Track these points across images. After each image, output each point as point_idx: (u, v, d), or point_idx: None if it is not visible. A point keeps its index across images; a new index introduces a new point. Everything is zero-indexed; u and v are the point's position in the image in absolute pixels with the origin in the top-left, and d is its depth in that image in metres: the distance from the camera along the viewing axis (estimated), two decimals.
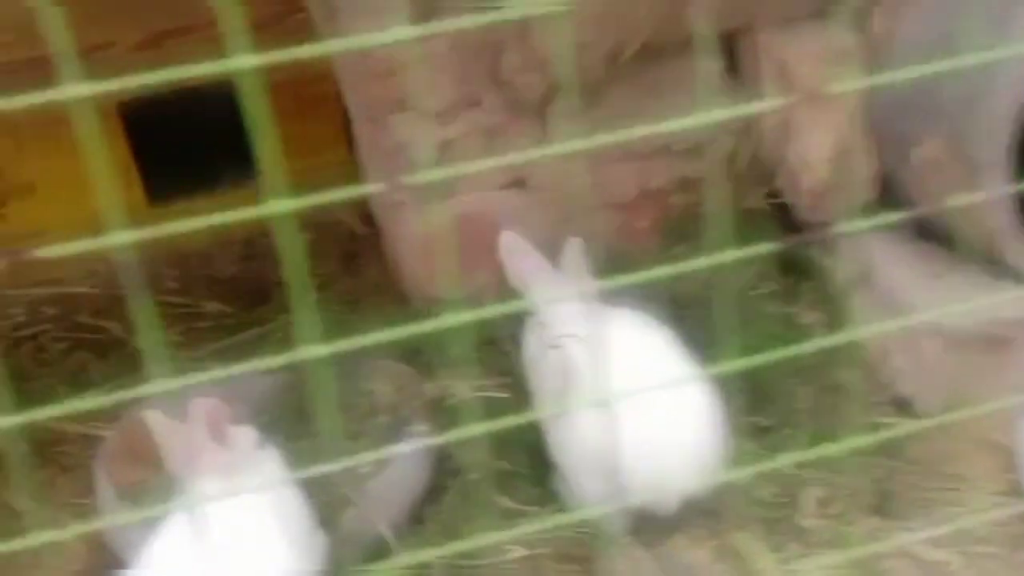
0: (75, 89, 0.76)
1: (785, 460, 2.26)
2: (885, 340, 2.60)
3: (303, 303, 0.87)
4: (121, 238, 0.76)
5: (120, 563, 2.22)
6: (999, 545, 2.32)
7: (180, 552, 2.06)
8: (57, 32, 0.69)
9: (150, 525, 2.12)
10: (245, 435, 2.14)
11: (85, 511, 2.54)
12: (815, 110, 2.62)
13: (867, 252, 2.66)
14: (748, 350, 2.74)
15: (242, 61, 0.75)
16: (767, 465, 2.21)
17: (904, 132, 2.55)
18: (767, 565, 2.33)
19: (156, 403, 2.27)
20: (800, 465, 2.52)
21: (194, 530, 2.09)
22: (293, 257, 0.89)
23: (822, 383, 2.61)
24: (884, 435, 2.26)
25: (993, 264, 2.55)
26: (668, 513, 2.34)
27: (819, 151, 2.63)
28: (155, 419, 2.07)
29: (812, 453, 2.08)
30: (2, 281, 3.03)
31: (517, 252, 2.49)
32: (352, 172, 3.32)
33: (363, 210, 3.20)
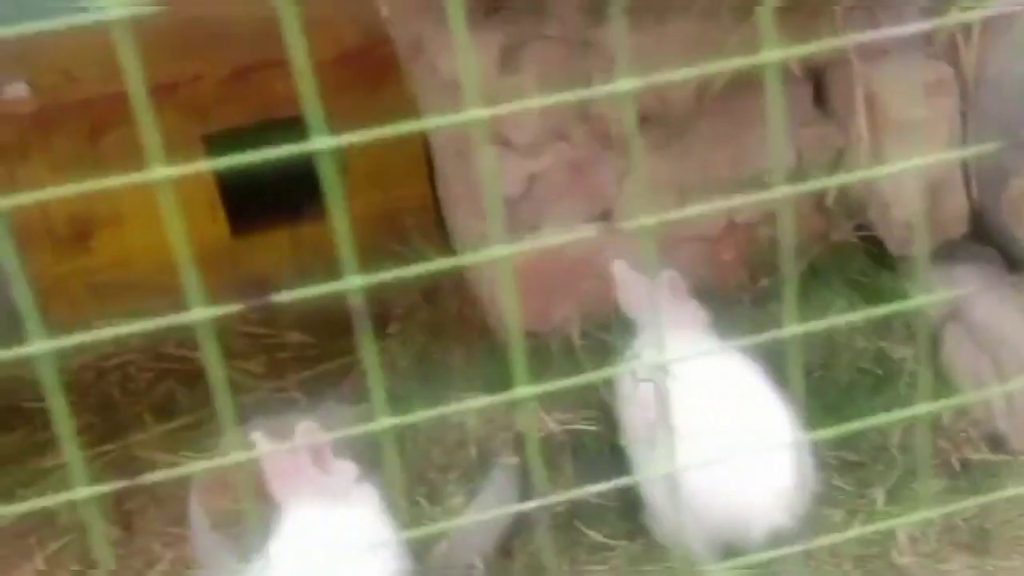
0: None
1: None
2: (979, 376, 2.58)
3: (518, 348, 0.87)
4: (354, 283, 0.77)
5: None
6: None
7: None
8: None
9: (246, 554, 2.15)
10: (347, 468, 2.16)
11: (176, 540, 2.57)
12: (907, 141, 2.61)
13: (959, 286, 2.65)
14: (839, 386, 2.70)
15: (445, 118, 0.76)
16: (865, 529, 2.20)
17: (1001, 163, 2.54)
18: None
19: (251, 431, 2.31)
20: (891, 501, 2.51)
21: (291, 559, 2.11)
22: (512, 303, 0.89)
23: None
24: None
25: None
26: (756, 548, 2.33)
27: (911, 183, 2.61)
28: (261, 442, 2.09)
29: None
30: (87, 311, 3.07)
31: (630, 281, 2.51)
32: (431, 205, 3.34)
33: (444, 242, 3.23)
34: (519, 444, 2.61)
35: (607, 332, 2.78)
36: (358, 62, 3.19)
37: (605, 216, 2.84)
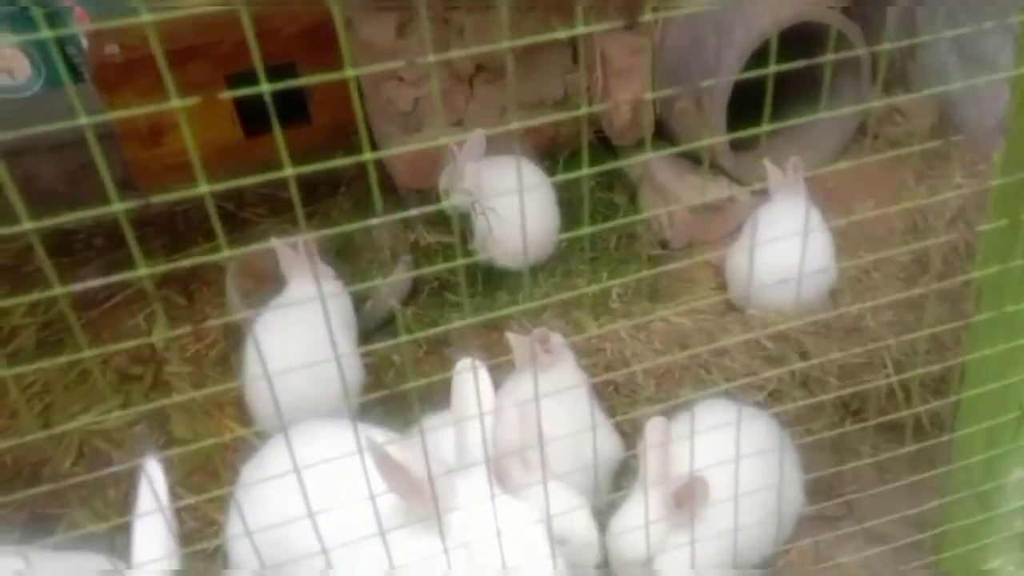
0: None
1: None
2: (656, 206, 4.22)
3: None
4: (287, 171, 2.62)
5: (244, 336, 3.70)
6: None
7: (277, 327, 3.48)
8: None
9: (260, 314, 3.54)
10: (325, 269, 3.83)
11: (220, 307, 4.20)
12: (622, 81, 4.21)
13: (651, 163, 4.36)
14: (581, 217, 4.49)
15: None
16: None
17: (673, 94, 4.20)
18: None
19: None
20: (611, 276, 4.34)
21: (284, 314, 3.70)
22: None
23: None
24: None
25: (716, 167, 4.30)
26: None
27: (624, 107, 4.18)
28: (275, 241, 3.80)
29: None
30: (165, 182, 4.67)
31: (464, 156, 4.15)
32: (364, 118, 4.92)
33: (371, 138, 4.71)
34: (413, 249, 4.24)
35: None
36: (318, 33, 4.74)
37: (458, 124, 4.47)
